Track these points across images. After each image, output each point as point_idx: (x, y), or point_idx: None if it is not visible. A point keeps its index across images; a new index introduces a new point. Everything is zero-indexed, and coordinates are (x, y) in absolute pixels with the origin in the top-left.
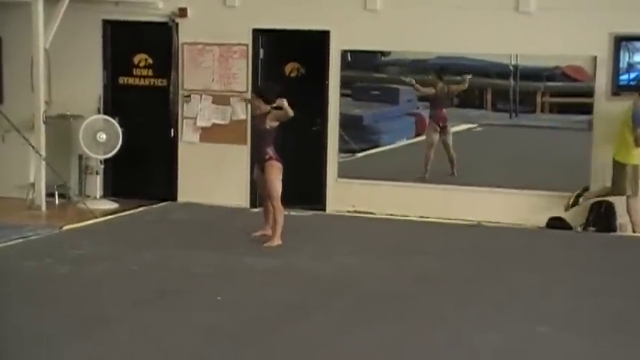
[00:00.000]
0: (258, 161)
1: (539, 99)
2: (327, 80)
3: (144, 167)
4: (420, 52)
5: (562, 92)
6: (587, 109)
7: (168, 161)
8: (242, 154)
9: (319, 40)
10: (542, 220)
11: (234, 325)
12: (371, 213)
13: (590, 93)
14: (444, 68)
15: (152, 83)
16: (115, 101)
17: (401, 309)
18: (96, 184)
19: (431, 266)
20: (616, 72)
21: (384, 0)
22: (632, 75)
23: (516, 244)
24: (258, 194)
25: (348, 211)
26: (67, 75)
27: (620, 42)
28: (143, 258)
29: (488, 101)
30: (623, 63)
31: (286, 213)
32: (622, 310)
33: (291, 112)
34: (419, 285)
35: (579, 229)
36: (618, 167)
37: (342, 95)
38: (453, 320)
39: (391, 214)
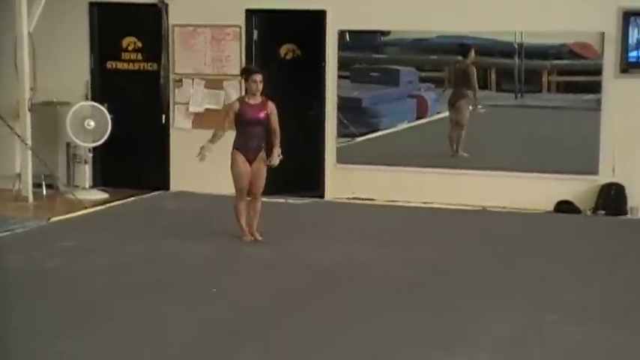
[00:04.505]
0: (248, 151)
1: (545, 78)
2: (324, 62)
3: (134, 155)
4: (420, 32)
5: (569, 70)
6: (596, 88)
7: (159, 149)
8: None
9: (315, 20)
10: (550, 204)
11: (231, 317)
12: (371, 199)
13: (598, 71)
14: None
15: (142, 67)
16: (104, 87)
17: (404, 298)
18: (85, 173)
19: (435, 254)
20: (625, 49)
21: None
22: None
23: (523, 229)
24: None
25: (348, 198)
26: (53, 60)
27: (629, 17)
28: (135, 249)
29: (492, 81)
30: (633, 39)
31: (283, 201)
32: (633, 297)
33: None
34: (422, 274)
35: (588, 212)
36: None
37: (340, 77)
38: (459, 309)
39: (393, 201)
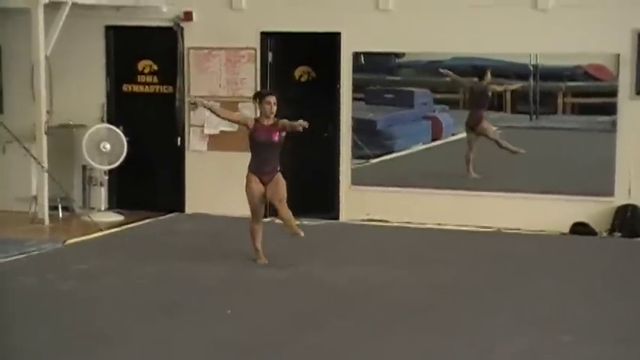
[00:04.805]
0: (263, 174)
1: (560, 100)
2: (339, 84)
3: (150, 177)
4: (435, 53)
5: (584, 92)
6: (611, 110)
7: (175, 171)
8: None
9: (330, 42)
10: (565, 226)
11: (245, 337)
12: (386, 221)
13: (613, 92)
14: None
15: (157, 90)
16: (119, 109)
17: (418, 320)
18: (100, 195)
19: (449, 275)
20: None
21: None
22: None
23: (538, 251)
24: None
25: (363, 220)
26: (69, 83)
27: None
28: (150, 271)
29: (507, 103)
30: None
31: (298, 222)
32: None
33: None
34: (437, 295)
35: (604, 234)
36: None
37: (355, 99)
38: (473, 331)
39: (407, 222)
